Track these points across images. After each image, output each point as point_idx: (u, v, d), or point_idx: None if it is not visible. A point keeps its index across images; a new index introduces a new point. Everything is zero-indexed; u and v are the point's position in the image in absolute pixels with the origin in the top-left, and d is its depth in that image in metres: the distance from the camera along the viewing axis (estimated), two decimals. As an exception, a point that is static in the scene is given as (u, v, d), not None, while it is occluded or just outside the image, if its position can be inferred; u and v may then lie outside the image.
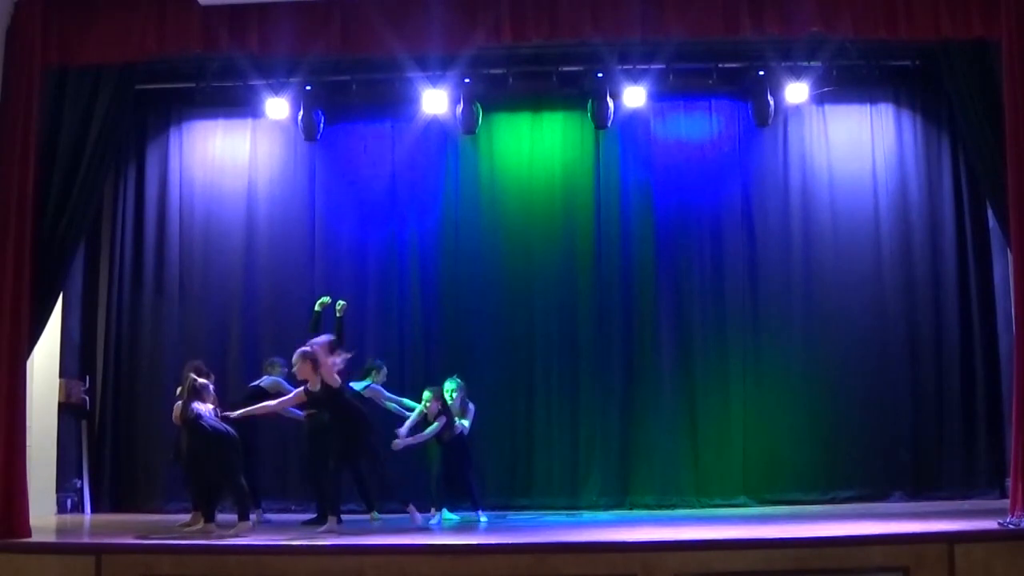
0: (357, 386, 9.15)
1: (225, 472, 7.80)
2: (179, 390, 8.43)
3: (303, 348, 7.99)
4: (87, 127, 7.94)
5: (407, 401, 9.33)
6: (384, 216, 10.90)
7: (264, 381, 9.26)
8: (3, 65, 7.78)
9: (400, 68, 9.93)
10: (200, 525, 7.83)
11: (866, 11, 7.66)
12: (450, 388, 9.14)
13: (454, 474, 9.02)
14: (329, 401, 7.96)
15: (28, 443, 7.68)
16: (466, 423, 9.16)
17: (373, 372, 9.33)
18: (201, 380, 8.10)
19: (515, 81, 10.39)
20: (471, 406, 9.27)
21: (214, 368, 10.62)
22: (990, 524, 6.83)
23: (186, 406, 7.88)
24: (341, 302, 9.35)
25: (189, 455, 8.08)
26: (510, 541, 6.89)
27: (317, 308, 9.28)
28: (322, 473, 9.18)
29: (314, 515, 9.18)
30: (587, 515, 9.61)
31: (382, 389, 9.34)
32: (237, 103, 10.66)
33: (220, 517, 7.96)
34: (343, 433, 8.02)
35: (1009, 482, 7.51)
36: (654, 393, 10.42)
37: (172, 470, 9.60)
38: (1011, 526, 6.73)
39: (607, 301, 10.59)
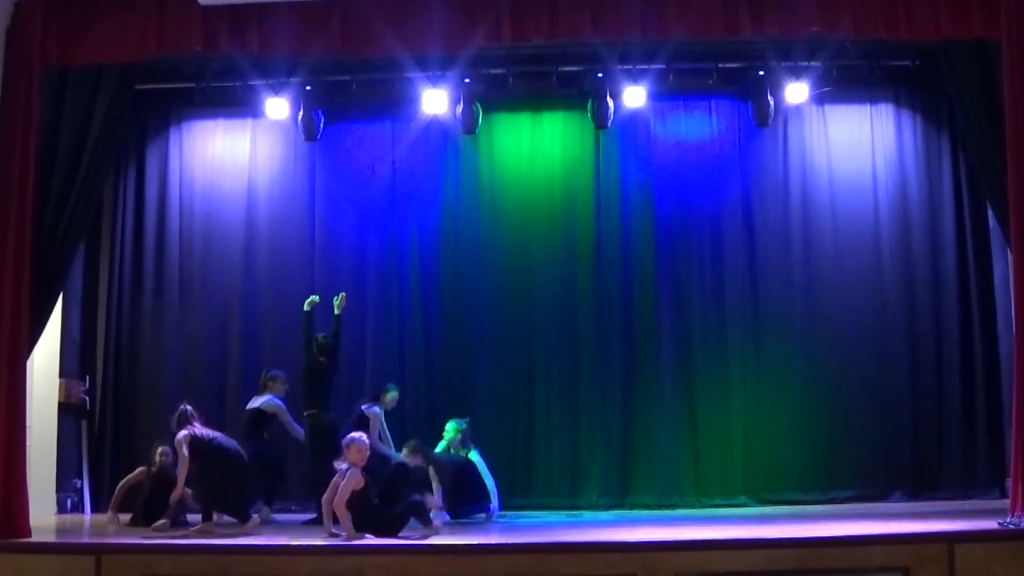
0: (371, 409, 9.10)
1: (233, 494, 7.76)
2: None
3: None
4: (87, 127, 7.94)
5: (390, 449, 9.09)
6: (384, 216, 10.91)
7: (264, 403, 9.22)
8: (3, 65, 7.77)
9: (400, 68, 9.93)
10: (200, 525, 7.82)
11: (866, 11, 7.66)
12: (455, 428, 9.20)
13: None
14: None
15: (28, 443, 7.67)
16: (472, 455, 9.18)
17: (384, 393, 9.28)
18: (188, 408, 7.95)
19: (515, 81, 10.39)
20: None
21: (214, 368, 10.72)
22: (990, 524, 6.82)
23: (189, 430, 7.71)
24: (341, 295, 9.37)
25: (199, 479, 7.93)
26: (510, 541, 6.89)
27: (306, 308, 9.27)
28: (322, 472, 9.19)
29: (314, 515, 9.18)
30: (587, 515, 9.60)
31: (382, 419, 9.20)
32: (237, 103, 10.65)
33: (220, 517, 7.97)
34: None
35: (1009, 482, 7.51)
36: (654, 393, 10.42)
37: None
38: (1011, 526, 6.73)
39: (607, 301, 10.58)
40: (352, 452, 7.20)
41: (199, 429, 7.77)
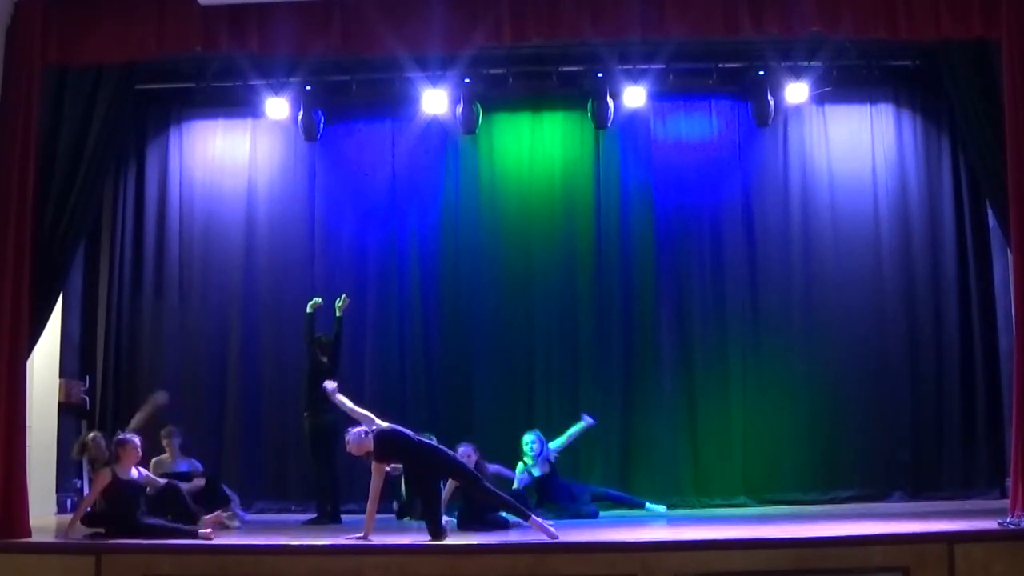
0: None
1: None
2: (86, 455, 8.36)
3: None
4: (87, 127, 7.94)
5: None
6: (384, 216, 10.90)
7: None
8: (3, 65, 7.77)
9: (400, 68, 9.93)
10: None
11: (866, 11, 7.66)
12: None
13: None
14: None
15: (28, 443, 7.68)
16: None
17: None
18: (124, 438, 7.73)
19: (515, 81, 10.39)
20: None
21: (214, 367, 10.70)
22: (990, 524, 6.82)
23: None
24: (342, 297, 9.38)
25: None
26: (510, 541, 6.89)
27: (309, 310, 9.28)
28: (322, 473, 9.20)
29: (314, 515, 9.19)
30: (587, 515, 9.61)
31: None
32: (237, 103, 10.65)
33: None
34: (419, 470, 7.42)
35: (1009, 482, 7.51)
36: (654, 393, 10.42)
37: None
38: (1011, 526, 6.72)
39: (607, 301, 10.59)
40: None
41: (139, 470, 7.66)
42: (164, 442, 9.23)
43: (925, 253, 10.50)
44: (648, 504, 9.40)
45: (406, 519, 9.20)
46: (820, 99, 10.58)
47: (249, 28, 7.84)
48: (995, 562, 6.30)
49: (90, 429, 10.62)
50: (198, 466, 9.18)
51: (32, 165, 7.62)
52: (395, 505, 9.45)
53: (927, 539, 6.47)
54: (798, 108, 10.61)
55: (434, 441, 7.98)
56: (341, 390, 9.75)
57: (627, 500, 9.52)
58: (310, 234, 10.92)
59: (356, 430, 7.22)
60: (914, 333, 10.40)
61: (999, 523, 6.81)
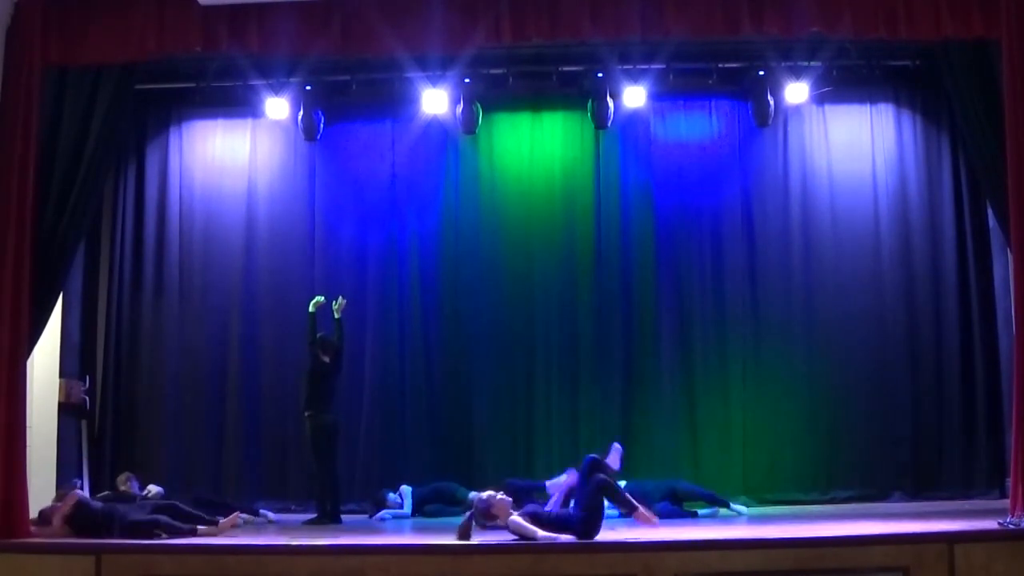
0: None
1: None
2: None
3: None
4: (87, 127, 7.94)
5: None
6: (384, 216, 10.90)
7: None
8: (3, 65, 7.77)
9: (400, 68, 9.94)
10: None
11: (866, 11, 7.66)
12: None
13: None
14: None
15: (28, 443, 7.67)
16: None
17: None
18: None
19: (515, 81, 10.39)
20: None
21: (214, 367, 10.70)
22: (990, 524, 6.82)
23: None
24: (340, 300, 9.37)
25: None
26: (510, 541, 6.88)
27: (311, 309, 9.29)
28: (323, 472, 9.20)
29: (314, 515, 9.19)
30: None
31: None
32: (237, 103, 10.65)
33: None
34: None
35: (1009, 482, 7.51)
36: (654, 393, 10.43)
37: (173, 469, 9.60)
38: (1011, 526, 6.72)
39: (607, 301, 10.59)
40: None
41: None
42: (122, 489, 9.11)
43: (925, 253, 10.50)
44: (732, 504, 9.30)
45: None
46: (820, 99, 10.58)
47: (249, 28, 7.83)
48: (995, 562, 6.28)
49: (90, 429, 10.67)
50: (160, 492, 9.04)
51: (32, 165, 7.61)
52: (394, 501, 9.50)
53: (927, 539, 6.45)
54: (798, 108, 10.61)
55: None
56: (341, 390, 9.83)
57: (708, 496, 9.33)
58: (310, 234, 10.92)
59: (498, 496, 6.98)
60: (914, 333, 10.40)
61: (999, 523, 6.80)
